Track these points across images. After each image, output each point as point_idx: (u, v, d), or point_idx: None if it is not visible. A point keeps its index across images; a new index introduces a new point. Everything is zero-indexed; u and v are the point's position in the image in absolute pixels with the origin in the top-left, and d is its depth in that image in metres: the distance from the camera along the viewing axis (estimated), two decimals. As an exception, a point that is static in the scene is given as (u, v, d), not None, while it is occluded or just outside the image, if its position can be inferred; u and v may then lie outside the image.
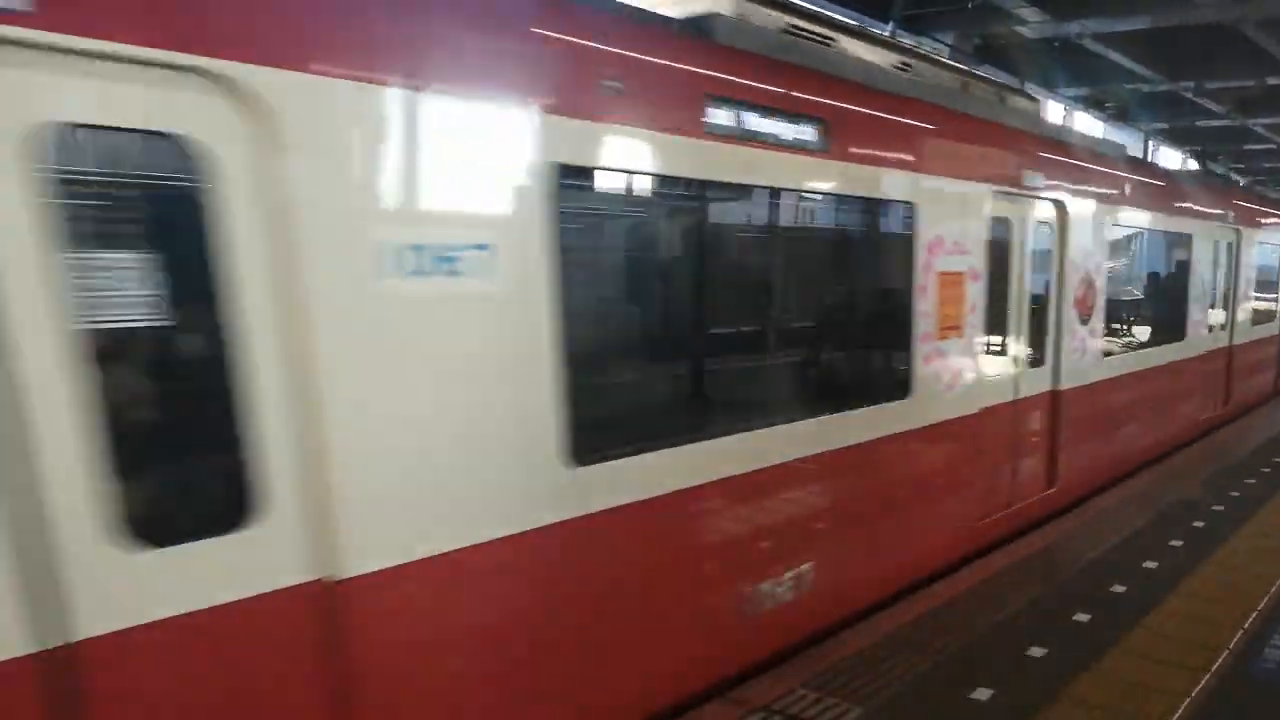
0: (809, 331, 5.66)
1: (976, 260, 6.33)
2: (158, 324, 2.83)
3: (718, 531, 4.56)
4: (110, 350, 2.61)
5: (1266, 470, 9.46)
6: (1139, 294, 10.31)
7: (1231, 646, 5.06)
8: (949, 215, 6.03)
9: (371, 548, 3.09)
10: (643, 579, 4.18)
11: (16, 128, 2.39)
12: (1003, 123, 6.98)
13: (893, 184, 5.56)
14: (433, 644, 3.32)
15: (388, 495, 3.14)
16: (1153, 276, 10.70)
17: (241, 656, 2.83)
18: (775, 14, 5.09)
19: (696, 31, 4.57)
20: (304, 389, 2.92)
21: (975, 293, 6.35)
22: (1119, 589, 5.97)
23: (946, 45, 14.30)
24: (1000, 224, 6.78)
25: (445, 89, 3.23)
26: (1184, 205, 10.38)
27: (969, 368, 6.38)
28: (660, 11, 4.61)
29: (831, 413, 5.22)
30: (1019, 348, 7.18)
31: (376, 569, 3.09)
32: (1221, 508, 7.97)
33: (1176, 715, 4.32)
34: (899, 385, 5.76)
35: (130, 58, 2.52)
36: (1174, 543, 6.95)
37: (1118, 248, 8.72)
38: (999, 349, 7.01)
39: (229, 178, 2.74)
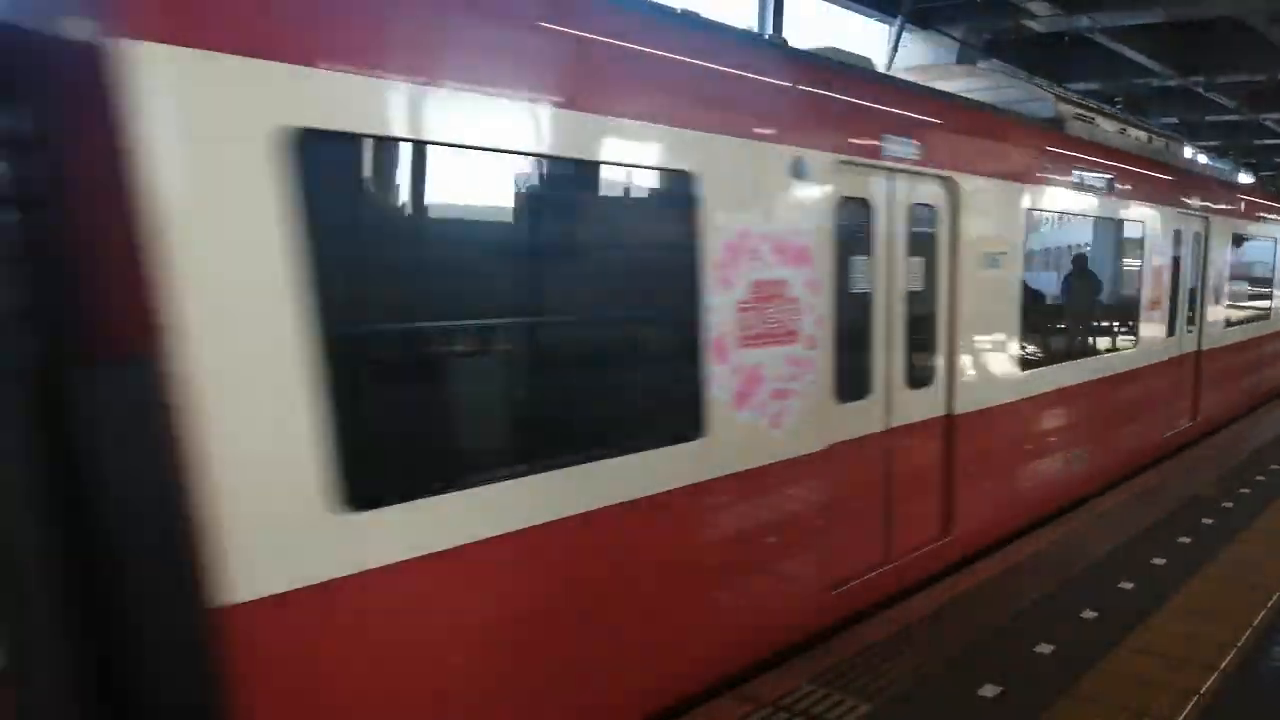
0: (1104, 305, 9.32)
1: (1168, 258, 9.80)
2: (919, 290, 5.97)
3: (1064, 416, 7.93)
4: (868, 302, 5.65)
5: (1275, 467, 9.43)
6: (1243, 283, 13.30)
7: (1240, 644, 5.05)
8: (1158, 227, 9.52)
9: (961, 402, 6.34)
10: (1043, 435, 7.66)
11: (904, 204, 5.77)
12: (1179, 165, 10.70)
13: (1138, 210, 9.12)
14: (982, 446, 6.65)
15: (967, 376, 6.39)
16: (1245, 269, 13.49)
17: (918, 444, 6.05)
18: (1068, 107, 8.54)
19: (1055, 126, 8.06)
20: (952, 324, 6.22)
21: (1167, 280, 9.80)
22: (1127, 586, 5.97)
23: (955, 40, 14.24)
24: (1177, 232, 10.10)
25: (1001, 180, 6.72)
26: (1273, 215, 13.74)
27: (1161, 330, 9.80)
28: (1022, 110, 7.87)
29: (1105, 353, 8.97)
30: (1182, 319, 10.49)
31: (964, 412, 6.38)
32: (1230, 505, 7.96)
33: (1184, 713, 4.32)
34: (1133, 338, 9.30)
35: (931, 174, 5.93)
36: (1182, 539, 6.94)
37: (1236, 249, 12.08)
38: (1172, 320, 10.15)
39: (944, 223, 6.13)
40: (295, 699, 2.76)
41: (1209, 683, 4.61)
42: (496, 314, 3.76)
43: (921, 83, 6.77)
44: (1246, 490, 8.47)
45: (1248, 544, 6.87)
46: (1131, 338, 9.22)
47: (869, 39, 14.59)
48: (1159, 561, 6.44)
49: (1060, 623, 5.36)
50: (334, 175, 3.11)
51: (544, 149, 3.64)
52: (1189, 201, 10.31)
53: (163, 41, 2.48)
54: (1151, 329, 9.52)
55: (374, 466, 3.08)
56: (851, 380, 5.39)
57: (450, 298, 3.53)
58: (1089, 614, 5.50)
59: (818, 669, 4.74)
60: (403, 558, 3.11)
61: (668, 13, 4.50)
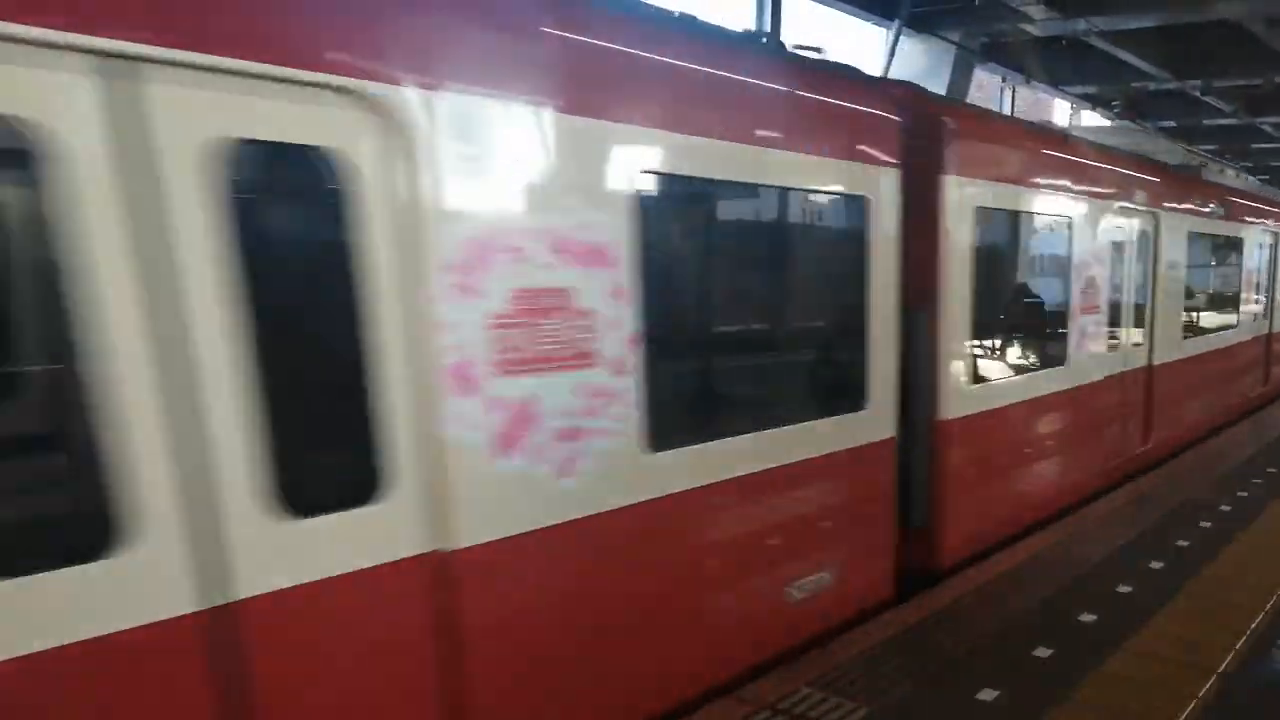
0: (1225, 298, 12.56)
1: (1256, 263, 13.32)
2: (1139, 284, 9.30)
3: (1204, 372, 11.32)
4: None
5: (1273, 470, 9.44)
6: None
7: (1239, 647, 5.05)
8: (1251, 241, 12.97)
9: (1156, 358, 9.60)
10: (1194, 384, 10.98)
11: (1138, 231, 9.29)
12: (1257, 193, 14.55)
13: (1240, 228, 12.42)
14: (1168, 387, 9.99)
15: (1159, 340, 9.65)
16: None
17: (1137, 383, 9.33)
18: (1195, 157, 12.77)
19: (1195, 173, 11.53)
20: (1152, 307, 9.45)
21: (1255, 280, 13.29)
22: (1125, 589, 5.97)
23: (953, 44, 14.25)
24: (1259, 244, 13.54)
25: (1177, 213, 9.97)
26: None
27: (1251, 316, 13.33)
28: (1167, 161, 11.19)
29: (1222, 331, 12.26)
30: (1260, 308, 13.86)
31: (1158, 364, 9.64)
32: (1228, 508, 7.96)
33: (1183, 716, 4.31)
34: (1236, 323, 12.81)
35: (1149, 212, 9.30)
36: (1181, 543, 6.94)
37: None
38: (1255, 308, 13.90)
39: (1151, 242, 9.43)
40: (954, 456, 6.24)
41: (1208, 686, 4.60)
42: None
43: (1095, 142, 9.44)
44: (1244, 494, 8.47)
45: (1245, 547, 6.87)
46: (1236, 323, 12.73)
47: (864, 41, 14.61)
48: (1157, 565, 6.44)
49: (1059, 626, 5.36)
50: (983, 228, 6.39)
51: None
52: (1266, 221, 13.77)
53: (949, 174, 5.88)
54: (1247, 316, 13.11)
55: (973, 369, 6.48)
56: (1114, 337, 8.74)
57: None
58: (1087, 617, 5.49)
59: (816, 672, 4.73)
60: (983, 409, 6.53)
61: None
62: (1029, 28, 14.30)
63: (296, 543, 2.85)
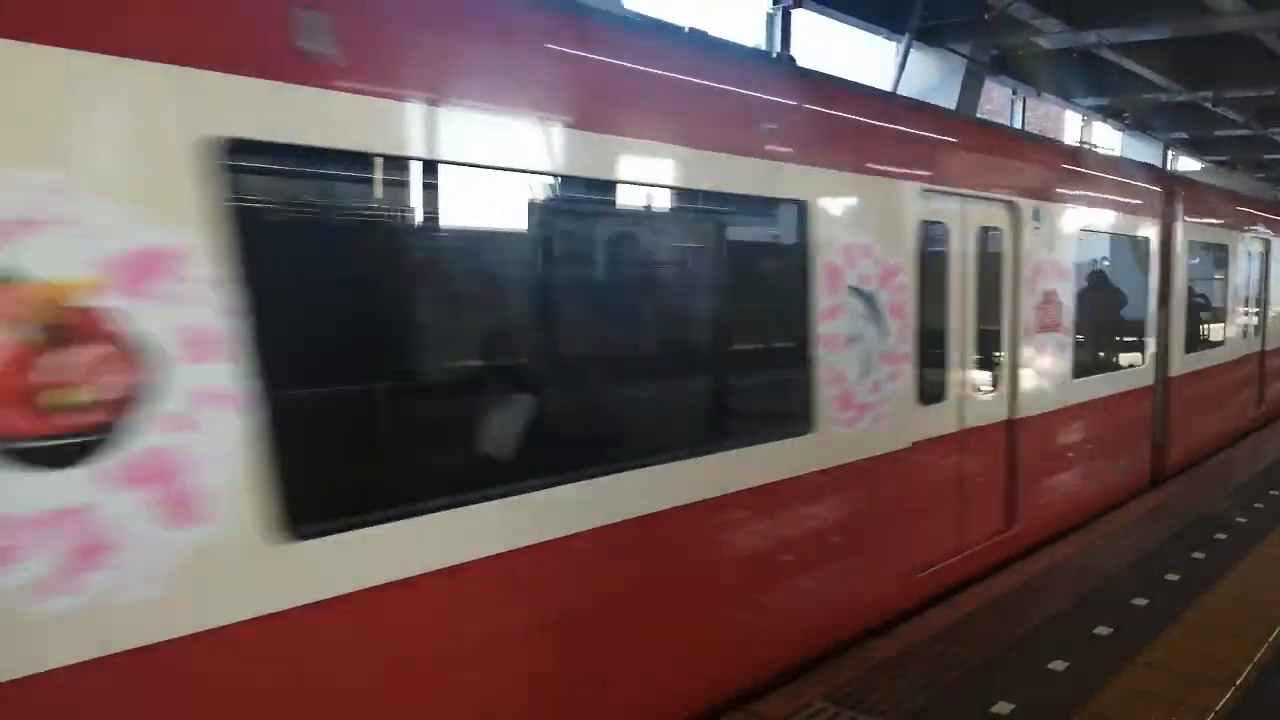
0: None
1: None
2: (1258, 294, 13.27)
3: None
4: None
5: (1290, 482, 9.39)
6: None
7: (1256, 660, 5.02)
8: None
9: (1269, 344, 13.46)
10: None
11: (1259, 253, 13.40)
12: None
13: None
14: (1272, 369, 13.71)
15: (1271, 333, 13.49)
16: None
17: (1254, 365, 13.00)
18: (1251, 177, 18.35)
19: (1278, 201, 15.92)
20: (1264, 308, 13.29)
21: None
22: (1140, 602, 5.94)
23: (963, 57, 14.28)
24: None
25: None
26: None
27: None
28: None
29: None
30: None
31: (1269, 349, 13.49)
32: (1244, 520, 7.92)
33: (1200, 730, 4.30)
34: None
35: (1265, 238, 13.41)
36: (1196, 555, 6.91)
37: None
38: None
39: (1268, 260, 13.67)
40: (1179, 399, 10.02)
41: (1224, 700, 4.58)
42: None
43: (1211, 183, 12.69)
44: (1260, 505, 8.42)
45: (1262, 559, 6.83)
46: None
47: (874, 55, 14.64)
48: (1173, 578, 6.41)
49: (1074, 639, 5.34)
50: (1189, 255, 10.52)
51: None
52: None
53: (1177, 222, 9.94)
54: None
55: (1183, 344, 10.23)
56: (1245, 329, 12.34)
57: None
58: (1102, 630, 5.47)
59: (830, 686, 4.73)
60: (1189, 371, 10.39)
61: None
62: (1039, 40, 14.33)
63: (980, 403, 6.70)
